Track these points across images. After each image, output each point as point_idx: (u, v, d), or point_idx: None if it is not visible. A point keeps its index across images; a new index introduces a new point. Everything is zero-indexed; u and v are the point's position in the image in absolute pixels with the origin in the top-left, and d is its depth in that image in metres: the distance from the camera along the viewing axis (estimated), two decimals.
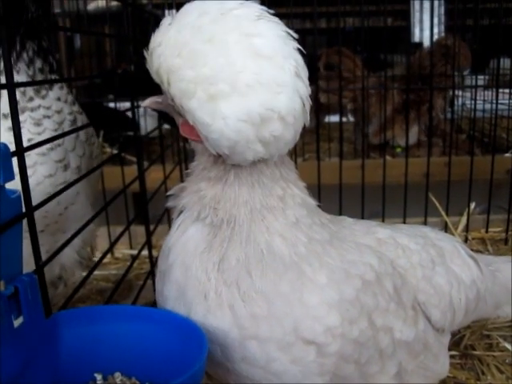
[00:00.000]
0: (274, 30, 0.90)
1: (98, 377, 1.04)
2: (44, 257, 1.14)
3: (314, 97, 2.82)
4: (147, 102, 1.05)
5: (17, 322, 0.90)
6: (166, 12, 2.83)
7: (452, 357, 1.73)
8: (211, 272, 1.00)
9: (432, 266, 1.23)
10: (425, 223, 2.72)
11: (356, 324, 1.01)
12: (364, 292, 1.04)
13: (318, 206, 1.12)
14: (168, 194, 1.13)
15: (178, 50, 0.88)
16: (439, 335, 1.23)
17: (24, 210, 1.03)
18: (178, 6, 0.95)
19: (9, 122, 1.10)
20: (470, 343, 1.83)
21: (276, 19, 0.92)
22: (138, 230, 2.66)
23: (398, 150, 3.94)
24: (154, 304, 1.32)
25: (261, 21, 0.89)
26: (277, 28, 0.90)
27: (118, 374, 1.04)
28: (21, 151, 1.05)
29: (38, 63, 1.42)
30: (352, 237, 1.15)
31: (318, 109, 3.00)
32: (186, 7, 0.92)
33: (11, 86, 1.02)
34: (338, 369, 1.01)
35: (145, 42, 0.96)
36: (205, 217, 1.02)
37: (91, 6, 4.05)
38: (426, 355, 1.17)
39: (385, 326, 1.07)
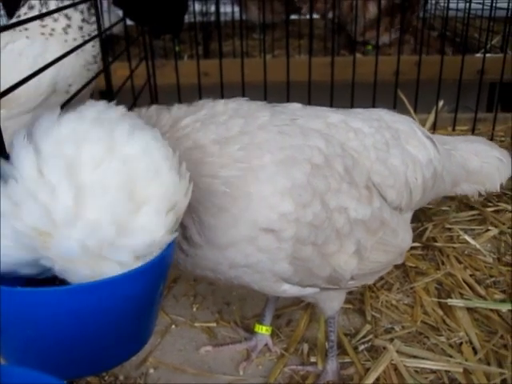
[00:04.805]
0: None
1: None
2: None
3: None
4: None
5: None
6: None
7: (414, 248, 1.81)
8: None
9: (386, 149, 1.24)
10: None
11: (310, 207, 1.04)
12: (314, 176, 1.06)
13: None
14: None
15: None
16: (398, 212, 1.27)
17: None
18: None
19: None
20: (432, 236, 1.90)
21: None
22: None
23: (369, 47, 3.89)
24: None
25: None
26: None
27: None
28: None
29: None
30: (294, 121, 1.14)
31: (287, 3, 2.90)
32: None
33: None
34: (297, 252, 1.04)
35: None
36: None
37: None
38: (384, 231, 1.20)
39: (339, 207, 1.09)
